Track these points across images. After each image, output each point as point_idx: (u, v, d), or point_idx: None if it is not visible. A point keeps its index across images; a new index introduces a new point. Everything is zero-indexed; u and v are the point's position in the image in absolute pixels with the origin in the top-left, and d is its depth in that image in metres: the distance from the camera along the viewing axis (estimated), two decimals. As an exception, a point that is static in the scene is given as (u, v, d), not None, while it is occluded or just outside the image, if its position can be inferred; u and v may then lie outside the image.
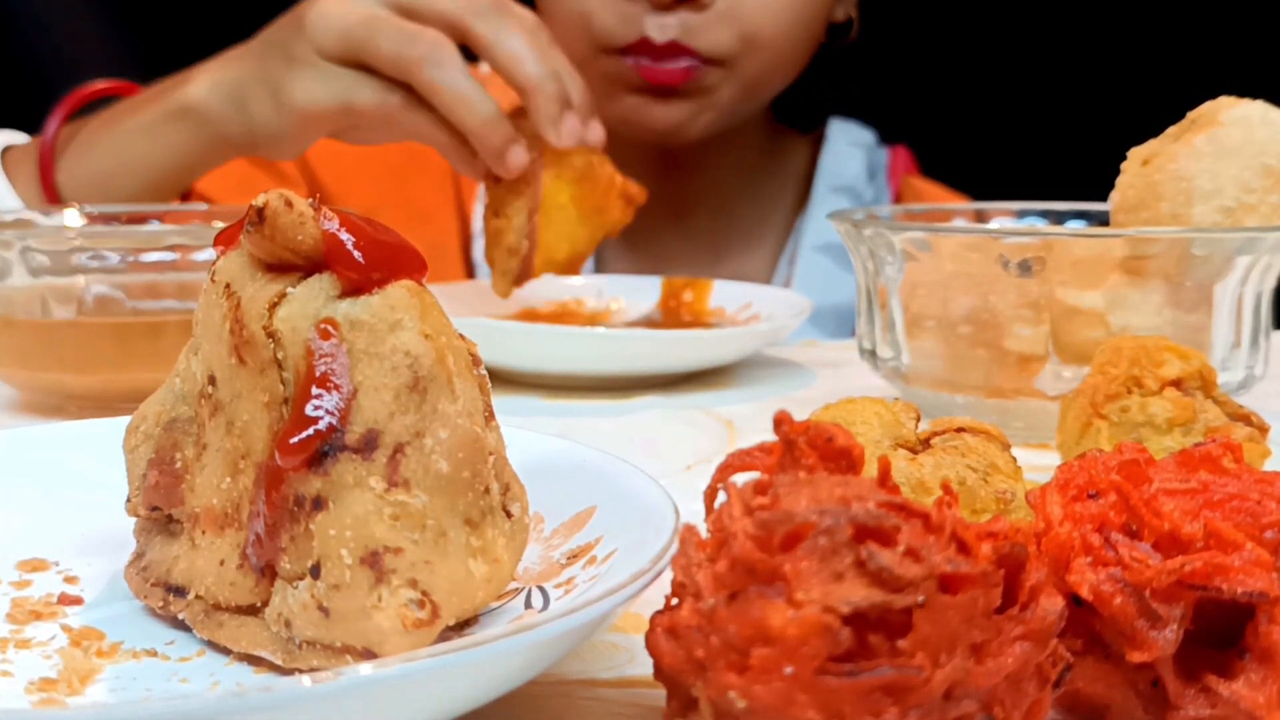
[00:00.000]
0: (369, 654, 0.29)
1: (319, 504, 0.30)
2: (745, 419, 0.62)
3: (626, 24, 0.89)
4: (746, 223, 1.11)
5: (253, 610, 0.32)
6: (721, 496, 0.27)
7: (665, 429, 0.60)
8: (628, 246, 1.09)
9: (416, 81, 0.67)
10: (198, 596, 0.33)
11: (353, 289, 0.31)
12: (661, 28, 0.88)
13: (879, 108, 1.23)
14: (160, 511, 0.35)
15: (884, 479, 0.26)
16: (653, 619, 0.25)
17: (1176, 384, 0.45)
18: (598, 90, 0.95)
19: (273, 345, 0.31)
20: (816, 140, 1.15)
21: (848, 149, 1.13)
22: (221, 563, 0.32)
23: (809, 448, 0.27)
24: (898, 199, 1.14)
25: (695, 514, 0.35)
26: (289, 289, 0.31)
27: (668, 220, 1.09)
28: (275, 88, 0.71)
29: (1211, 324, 0.57)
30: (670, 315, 0.83)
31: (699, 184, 1.08)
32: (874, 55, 1.24)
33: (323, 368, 0.30)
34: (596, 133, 0.72)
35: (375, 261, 0.31)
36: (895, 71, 1.44)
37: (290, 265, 0.31)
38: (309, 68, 0.69)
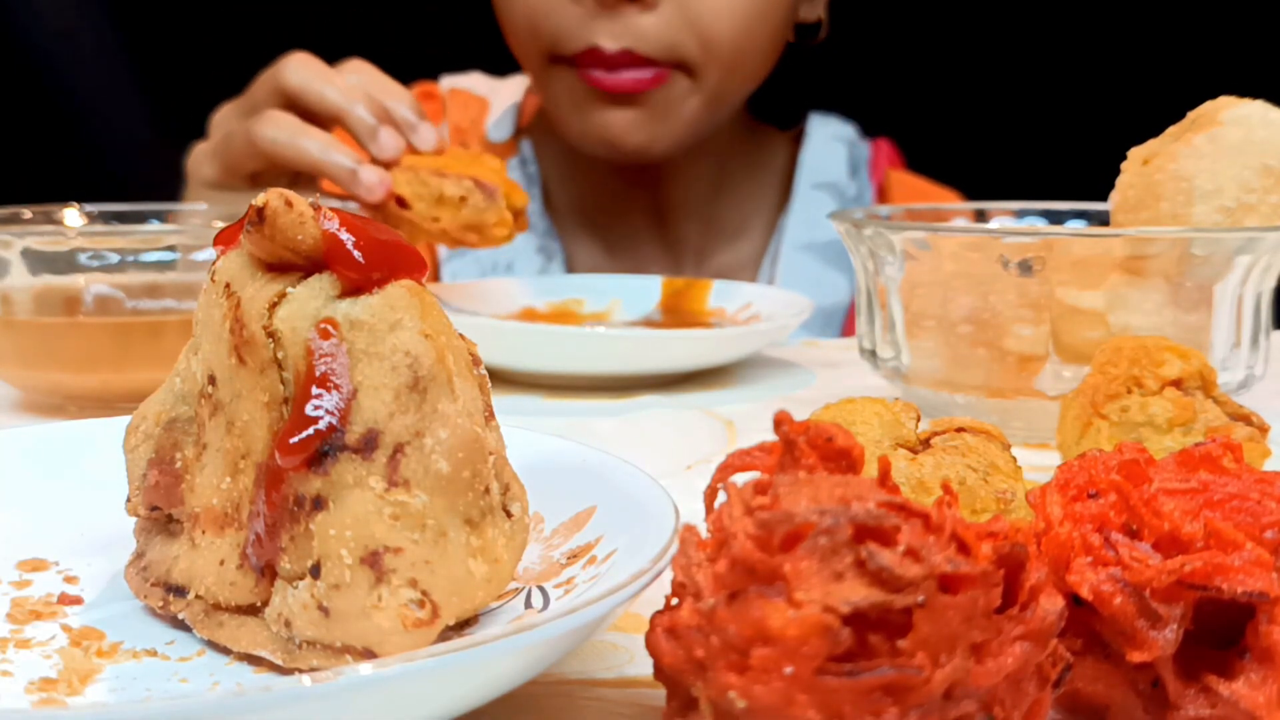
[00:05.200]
0: (369, 654, 0.29)
1: (319, 504, 0.30)
2: (745, 419, 0.62)
3: (575, 29, 0.88)
4: (727, 224, 1.10)
5: (253, 610, 0.32)
6: (721, 496, 0.27)
7: (665, 429, 0.60)
8: (607, 254, 1.09)
9: (266, 155, 0.74)
10: (198, 596, 0.33)
11: (353, 289, 0.31)
12: (612, 35, 0.87)
13: (863, 101, 1.23)
14: (160, 511, 0.35)
15: (884, 479, 0.26)
16: (653, 619, 0.25)
17: (1176, 384, 0.45)
18: (563, 104, 0.94)
19: (273, 345, 0.31)
20: (797, 136, 1.13)
21: (829, 144, 1.12)
22: (221, 563, 0.32)
23: (809, 448, 0.26)
24: (881, 194, 1.12)
25: (695, 514, 0.35)
26: (289, 289, 0.31)
27: (646, 226, 1.08)
28: None
29: (1211, 324, 0.57)
30: (670, 315, 0.83)
31: (677, 188, 1.07)
32: (853, 50, 1.23)
33: (323, 368, 0.30)
34: (425, 138, 0.74)
35: (375, 261, 0.31)
36: (884, 66, 1.44)
37: (290, 265, 0.31)
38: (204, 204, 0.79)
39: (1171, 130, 0.59)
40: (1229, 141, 0.56)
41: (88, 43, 1.52)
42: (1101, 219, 0.68)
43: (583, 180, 1.08)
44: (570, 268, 1.07)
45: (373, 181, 0.71)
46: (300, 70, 0.75)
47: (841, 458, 0.27)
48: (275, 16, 1.41)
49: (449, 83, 1.15)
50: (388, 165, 0.73)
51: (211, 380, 0.33)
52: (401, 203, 0.72)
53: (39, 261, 0.60)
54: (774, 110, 1.12)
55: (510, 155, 1.09)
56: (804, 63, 1.04)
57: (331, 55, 0.79)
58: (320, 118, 0.74)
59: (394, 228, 0.70)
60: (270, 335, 0.31)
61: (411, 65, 1.13)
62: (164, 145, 1.52)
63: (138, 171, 1.54)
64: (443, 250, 1.07)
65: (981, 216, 0.73)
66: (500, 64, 1.14)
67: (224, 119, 0.80)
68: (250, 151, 0.75)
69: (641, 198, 1.07)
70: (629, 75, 0.89)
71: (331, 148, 0.72)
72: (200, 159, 0.79)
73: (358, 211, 0.69)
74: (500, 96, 1.13)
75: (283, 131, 0.73)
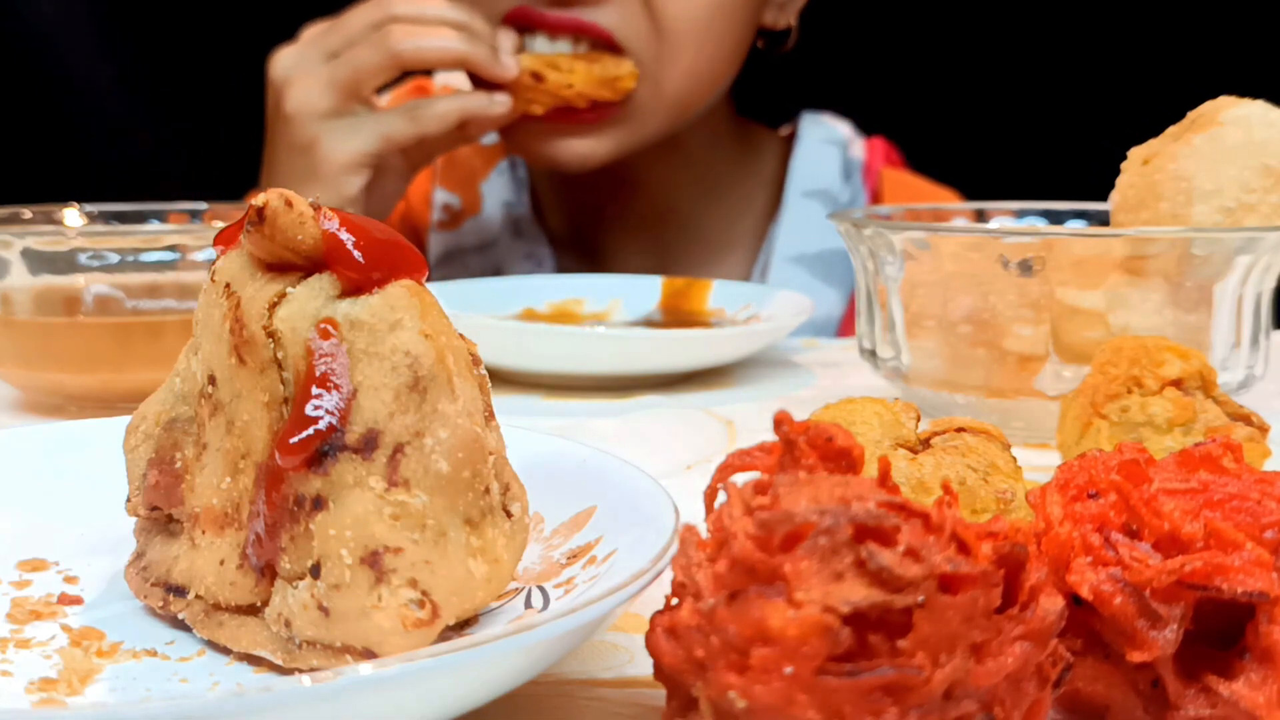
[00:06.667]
0: (369, 654, 0.29)
1: (319, 504, 0.30)
2: (745, 419, 0.62)
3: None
4: (715, 233, 1.07)
5: (253, 610, 0.32)
6: (721, 496, 0.27)
7: (665, 429, 0.60)
8: (589, 262, 1.06)
9: (406, 63, 0.79)
10: (198, 596, 0.33)
11: (353, 289, 0.31)
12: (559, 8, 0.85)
13: (862, 100, 1.21)
14: (160, 511, 0.35)
15: (884, 479, 0.26)
16: (653, 619, 0.25)
17: (1176, 384, 0.45)
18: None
19: (273, 345, 0.31)
20: (788, 139, 1.10)
21: (821, 148, 1.08)
22: (221, 563, 0.32)
23: (809, 448, 0.26)
24: (875, 196, 1.09)
25: (695, 514, 0.35)
26: (289, 289, 0.31)
27: (628, 234, 1.05)
28: (314, 173, 0.81)
29: (1211, 324, 0.57)
30: (670, 315, 0.83)
31: (661, 195, 1.04)
32: (848, 47, 1.21)
33: (323, 368, 0.30)
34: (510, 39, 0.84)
35: (375, 261, 0.31)
36: (884, 64, 1.44)
37: (290, 265, 0.31)
38: (327, 135, 0.81)
39: (1171, 130, 0.59)
40: (1229, 141, 0.56)
41: (89, 43, 1.52)
42: (1101, 219, 0.68)
43: (567, 187, 1.06)
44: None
45: (511, 61, 0.81)
46: (408, 2, 0.80)
47: (841, 458, 0.27)
48: (272, 17, 1.41)
49: (442, 80, 1.14)
50: None
51: (211, 380, 0.33)
52: (537, 77, 0.81)
53: (39, 261, 0.60)
54: (761, 107, 1.09)
55: (499, 159, 1.09)
56: (792, 59, 1.02)
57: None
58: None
59: (530, 102, 0.82)
60: (270, 335, 0.31)
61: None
62: (164, 145, 1.53)
63: (138, 171, 1.54)
64: (432, 256, 1.06)
65: (981, 216, 0.73)
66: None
67: (301, 59, 0.82)
68: (385, 65, 0.79)
69: (625, 206, 1.04)
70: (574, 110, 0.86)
71: (471, 39, 0.79)
72: (310, 94, 0.81)
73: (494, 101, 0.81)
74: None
75: (420, 38, 0.78)
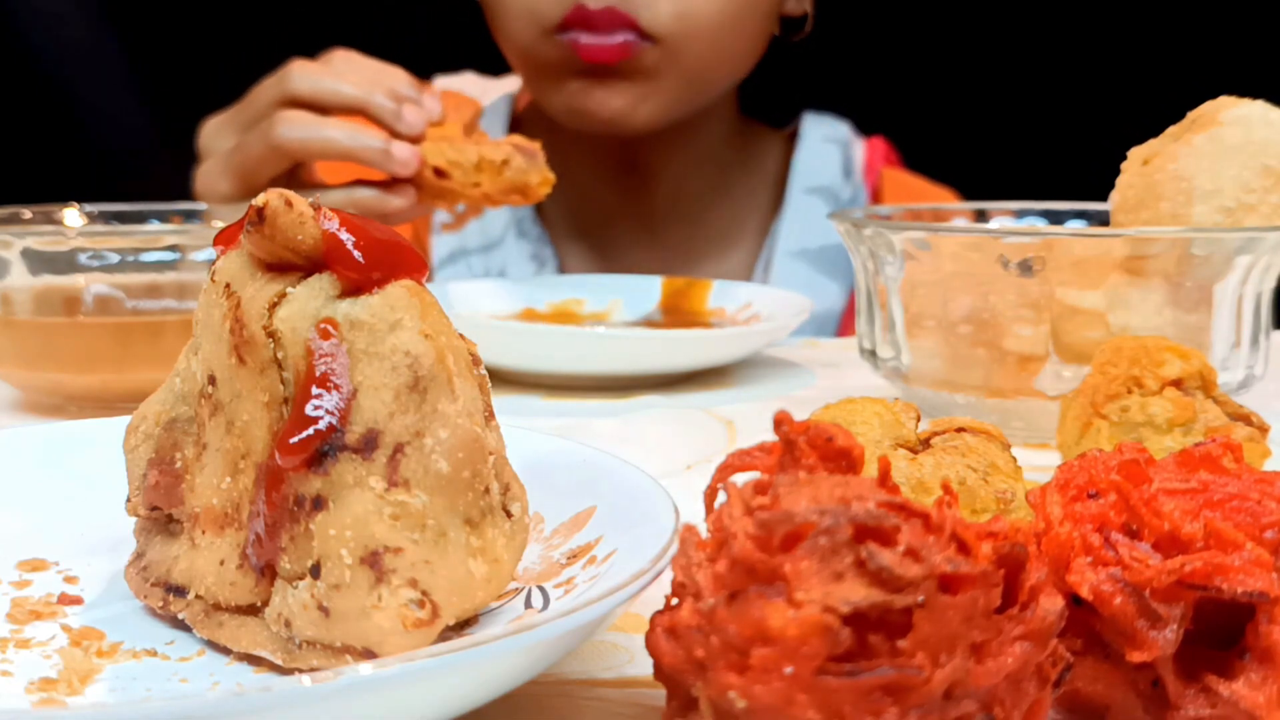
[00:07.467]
0: (369, 654, 0.29)
1: (319, 504, 0.30)
2: (745, 419, 0.62)
3: None
4: (718, 229, 1.08)
5: (253, 610, 0.32)
6: (721, 496, 0.27)
7: (665, 429, 0.60)
8: (594, 258, 1.08)
9: (292, 155, 0.74)
10: (198, 596, 0.33)
11: (353, 289, 0.31)
12: None
13: (861, 99, 1.22)
14: (160, 511, 0.35)
15: (884, 479, 0.25)
16: (653, 619, 0.25)
17: (1176, 384, 0.45)
18: (543, 79, 0.94)
19: (273, 345, 0.31)
20: (790, 137, 1.12)
21: (822, 146, 1.10)
22: (221, 563, 0.32)
23: (809, 448, 0.26)
24: (875, 195, 1.11)
25: (695, 514, 0.35)
26: (289, 289, 0.31)
27: (635, 230, 1.07)
28: None
29: (1211, 324, 0.57)
30: (670, 315, 0.83)
31: (665, 190, 1.05)
32: (849, 46, 1.22)
33: (323, 368, 0.30)
34: (431, 109, 0.77)
35: (375, 261, 0.31)
36: (883, 64, 1.44)
37: (290, 265, 0.31)
38: (223, 220, 0.78)
39: (1171, 130, 0.59)
40: (1229, 141, 0.56)
41: (88, 43, 1.52)
42: (1101, 219, 0.68)
43: (573, 186, 1.07)
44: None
45: (406, 156, 0.74)
46: (307, 76, 0.76)
47: (841, 458, 0.27)
48: (270, 17, 1.41)
49: (441, 84, 1.14)
50: (415, 141, 0.75)
51: (211, 380, 0.33)
52: (440, 173, 0.74)
53: (39, 261, 0.60)
54: (766, 106, 1.10)
55: None
56: (796, 57, 1.03)
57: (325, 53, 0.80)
58: (336, 113, 0.75)
59: (435, 198, 0.75)
60: (270, 335, 0.31)
61: (403, 64, 1.13)
62: (164, 145, 1.53)
63: (138, 171, 1.54)
64: (436, 257, 1.06)
65: (981, 216, 0.73)
66: (492, 64, 1.14)
67: (218, 134, 0.80)
68: (270, 156, 0.74)
69: (631, 203, 1.06)
70: (607, 41, 0.87)
71: (358, 132, 0.74)
72: (211, 178, 0.78)
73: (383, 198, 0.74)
74: (492, 98, 1.13)
75: (304, 128, 0.74)
